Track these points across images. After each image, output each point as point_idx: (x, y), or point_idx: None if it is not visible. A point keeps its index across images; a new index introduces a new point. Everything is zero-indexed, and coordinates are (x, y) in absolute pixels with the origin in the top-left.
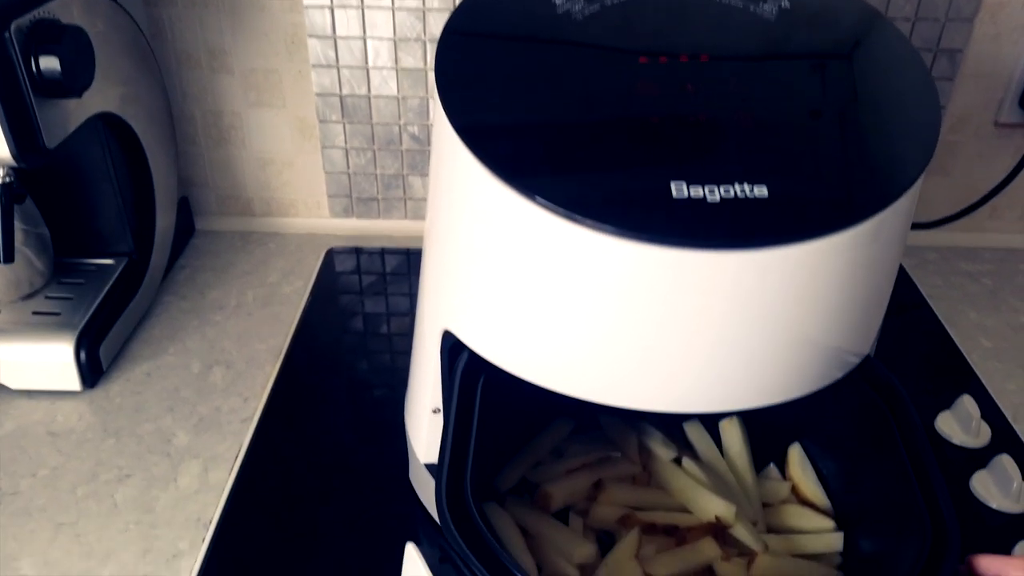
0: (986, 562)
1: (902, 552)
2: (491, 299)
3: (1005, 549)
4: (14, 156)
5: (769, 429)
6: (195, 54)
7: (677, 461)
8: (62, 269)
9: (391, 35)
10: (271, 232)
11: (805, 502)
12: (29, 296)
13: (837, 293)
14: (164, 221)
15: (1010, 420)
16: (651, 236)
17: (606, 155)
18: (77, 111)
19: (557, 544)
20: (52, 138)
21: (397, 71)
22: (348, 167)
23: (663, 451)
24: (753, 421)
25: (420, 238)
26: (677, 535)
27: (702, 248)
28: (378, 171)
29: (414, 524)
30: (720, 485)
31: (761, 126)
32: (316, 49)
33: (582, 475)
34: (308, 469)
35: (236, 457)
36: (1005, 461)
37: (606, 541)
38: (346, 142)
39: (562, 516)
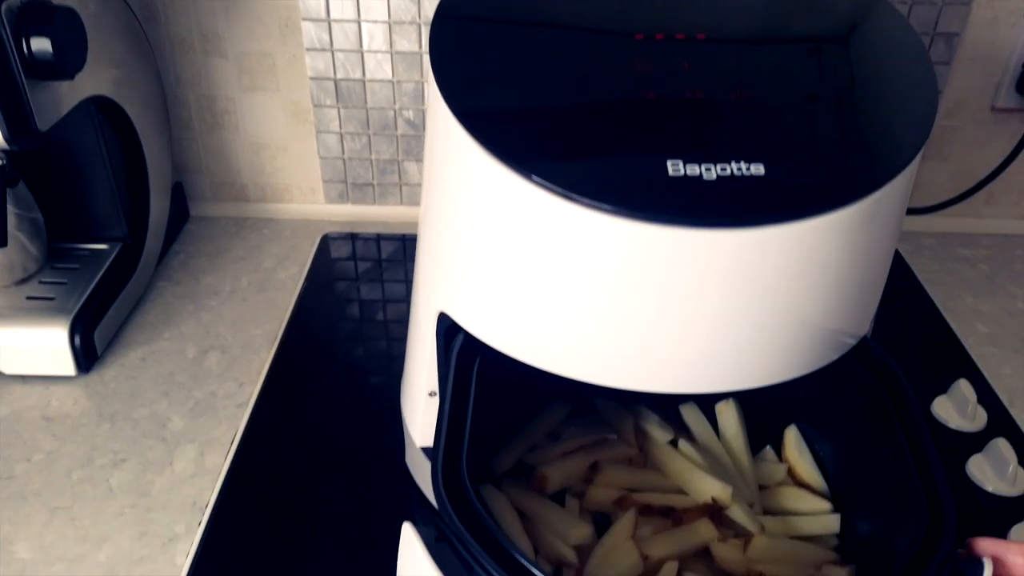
0: (985, 544)
1: (898, 533)
2: (487, 280)
3: (1001, 532)
4: (6, 139)
5: (765, 411)
6: (188, 38)
7: (673, 443)
8: (56, 254)
9: (386, 18)
10: (266, 218)
11: (801, 484)
12: (23, 281)
13: (834, 272)
14: (158, 206)
15: (1006, 404)
16: (647, 214)
17: (602, 133)
18: (70, 94)
19: (553, 526)
20: (44, 121)
21: (392, 55)
22: (343, 152)
23: (659, 433)
24: (749, 403)
25: (415, 224)
26: (673, 516)
27: (698, 226)
28: (373, 156)
29: (410, 508)
30: (716, 467)
31: (758, 105)
32: (310, 32)
33: (578, 457)
34: (304, 453)
35: (232, 441)
36: (1001, 445)
37: (602, 523)
38: (341, 127)
39: (558, 498)
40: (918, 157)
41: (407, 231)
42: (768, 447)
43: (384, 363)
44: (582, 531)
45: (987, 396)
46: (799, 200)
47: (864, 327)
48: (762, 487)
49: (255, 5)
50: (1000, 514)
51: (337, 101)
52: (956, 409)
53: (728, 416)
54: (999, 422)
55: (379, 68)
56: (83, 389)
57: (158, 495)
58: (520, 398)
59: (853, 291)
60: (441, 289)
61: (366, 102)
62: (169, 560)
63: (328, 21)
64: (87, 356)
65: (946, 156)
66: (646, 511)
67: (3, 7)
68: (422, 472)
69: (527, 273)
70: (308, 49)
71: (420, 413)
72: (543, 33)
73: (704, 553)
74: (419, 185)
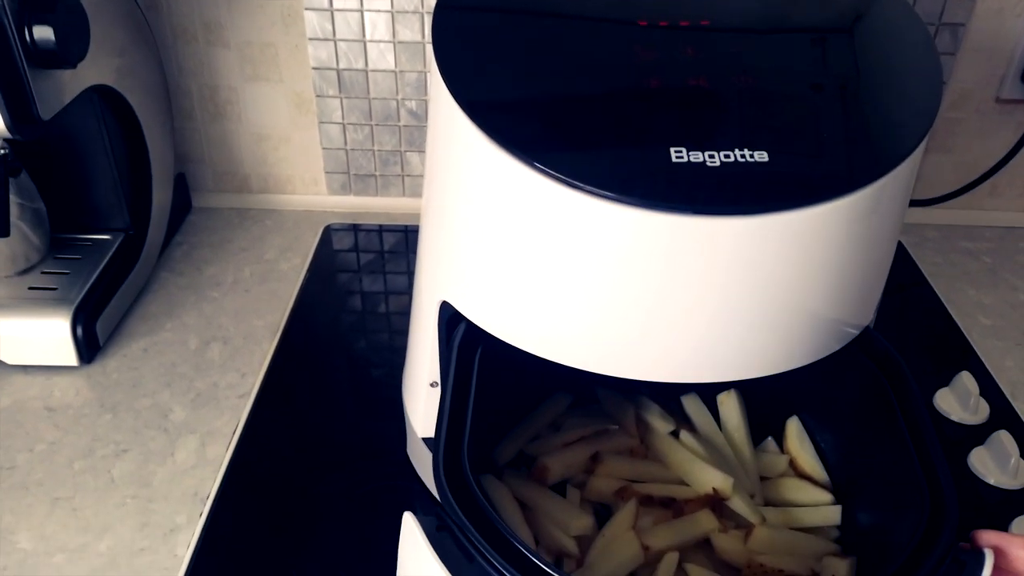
0: (988, 537)
1: (900, 525)
2: (489, 269)
3: (1002, 525)
4: (8, 127)
5: (767, 402)
6: (191, 27)
7: (675, 434)
8: (58, 244)
9: (388, 7)
10: (268, 209)
11: (803, 475)
12: (25, 271)
13: (837, 261)
14: (161, 196)
15: (1008, 397)
16: (650, 202)
17: (605, 121)
18: (72, 83)
19: (554, 516)
20: (47, 109)
21: (395, 44)
22: (345, 143)
23: (661, 424)
24: (751, 394)
25: (418, 215)
26: (674, 507)
27: (702, 214)
28: (376, 147)
29: (411, 498)
30: (717, 458)
31: (762, 92)
32: (313, 22)
33: (579, 448)
34: (305, 444)
35: (234, 432)
36: (1003, 437)
37: (603, 513)
38: (343, 117)
39: (559, 489)
40: (921, 146)
41: (409, 222)
42: (769, 438)
43: (386, 354)
44: (583, 522)
45: (989, 389)
46: (802, 188)
47: (867, 317)
48: (763, 478)
49: None
50: (1002, 507)
51: (340, 91)
52: (958, 402)
53: (730, 407)
54: (1001, 415)
55: (382, 58)
56: (85, 380)
57: (159, 486)
58: (521, 388)
59: (856, 280)
60: (443, 278)
61: (368, 92)
62: (170, 551)
63: (331, 10)
64: (89, 347)
65: (950, 148)
66: (647, 502)
67: None
68: (424, 463)
69: (530, 261)
70: (311, 39)
71: (421, 403)
72: (546, 21)
73: (705, 544)
74: (421, 177)
